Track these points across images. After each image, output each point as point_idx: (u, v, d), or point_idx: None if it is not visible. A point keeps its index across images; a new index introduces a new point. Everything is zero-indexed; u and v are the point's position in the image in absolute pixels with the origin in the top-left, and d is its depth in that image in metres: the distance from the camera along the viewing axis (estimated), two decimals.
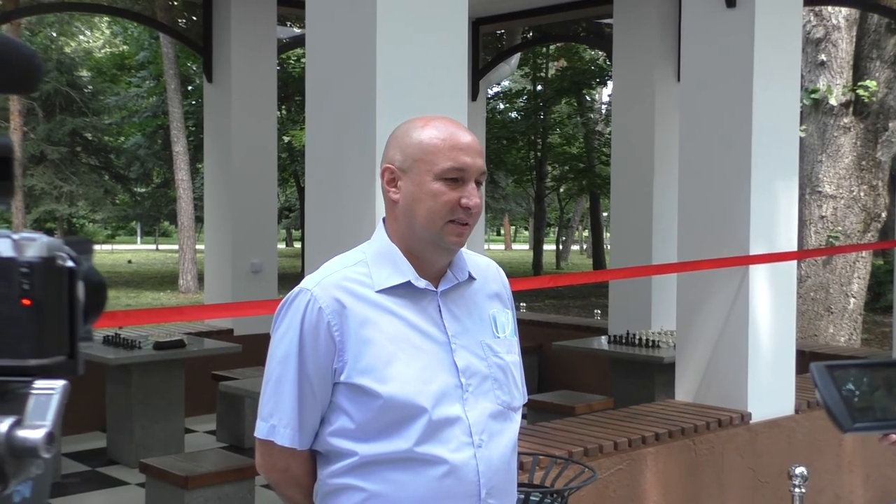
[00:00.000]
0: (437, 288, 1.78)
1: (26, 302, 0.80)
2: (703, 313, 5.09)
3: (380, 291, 1.73)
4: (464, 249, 1.84)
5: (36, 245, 0.82)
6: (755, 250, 4.93)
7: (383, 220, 1.81)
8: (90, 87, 28.09)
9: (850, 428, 1.09)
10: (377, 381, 1.68)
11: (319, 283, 1.74)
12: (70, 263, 0.84)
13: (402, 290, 1.74)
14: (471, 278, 1.83)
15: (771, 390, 5.08)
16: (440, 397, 1.70)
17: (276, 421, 1.74)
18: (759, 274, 4.99)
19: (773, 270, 5.08)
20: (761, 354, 5.01)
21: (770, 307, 5.07)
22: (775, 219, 5.08)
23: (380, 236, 1.80)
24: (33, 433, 0.77)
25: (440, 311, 1.76)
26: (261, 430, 1.76)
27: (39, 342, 0.81)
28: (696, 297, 5.14)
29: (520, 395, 1.84)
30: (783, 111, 5.10)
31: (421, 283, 1.75)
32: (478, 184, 1.74)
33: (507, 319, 1.86)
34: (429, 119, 1.77)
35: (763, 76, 4.93)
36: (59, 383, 0.81)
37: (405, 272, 1.75)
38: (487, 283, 1.87)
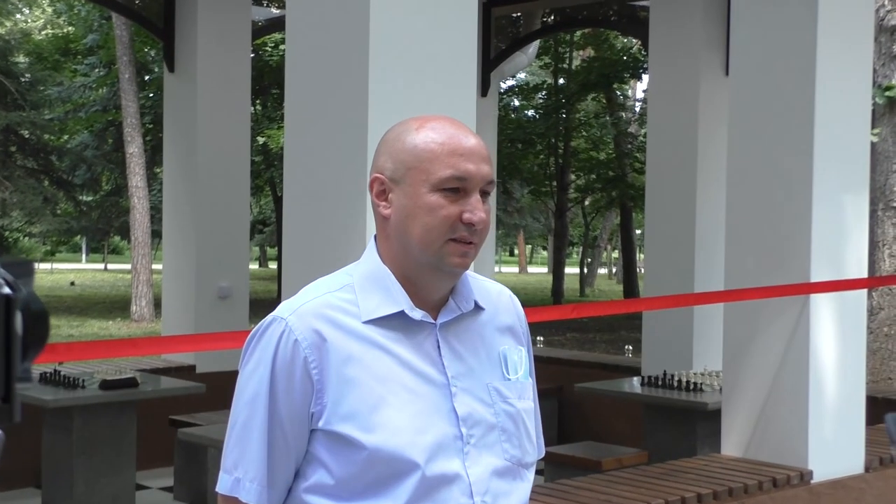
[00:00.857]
0: (435, 320, 1.77)
1: None
2: (755, 351, 5.08)
3: (368, 322, 1.73)
4: (470, 273, 1.84)
5: None
6: (817, 277, 4.93)
7: (375, 237, 1.82)
8: (27, 75, 28.18)
9: None
10: (361, 430, 1.68)
11: (296, 310, 1.74)
12: (6, 290, 0.83)
13: (395, 322, 1.74)
14: (478, 308, 1.83)
15: (836, 444, 5.07)
16: (436, 450, 1.70)
17: (242, 473, 1.74)
18: (821, 305, 4.98)
19: (839, 301, 5.07)
20: (825, 401, 4.99)
21: (835, 344, 5.06)
22: (842, 239, 5.08)
23: (370, 257, 1.81)
24: None
25: (439, 347, 1.76)
26: (223, 485, 1.76)
27: None
28: (747, 331, 5.13)
29: (533, 450, 1.84)
30: (851, 111, 5.11)
31: (417, 313, 1.75)
32: (484, 195, 1.74)
33: (520, 358, 1.86)
34: (425, 119, 1.78)
35: (827, 69, 4.95)
36: None
37: (398, 300, 1.75)
38: (498, 314, 1.87)
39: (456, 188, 1.71)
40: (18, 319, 0.84)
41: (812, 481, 4.95)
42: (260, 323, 1.78)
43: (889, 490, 5.27)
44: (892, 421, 1.12)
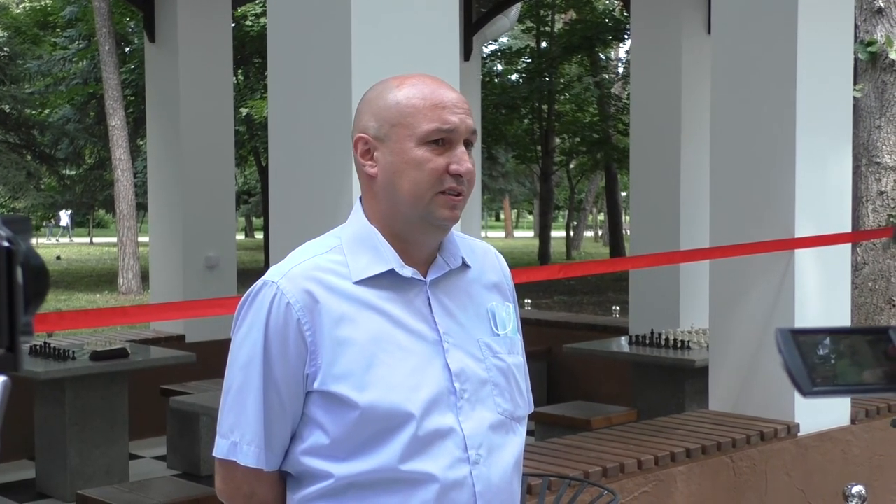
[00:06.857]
0: (425, 277, 1.79)
1: None
2: (741, 308, 5.11)
3: (358, 283, 1.75)
4: (456, 232, 1.86)
5: None
6: (802, 232, 4.96)
7: (360, 199, 1.83)
8: (6, 49, 27.92)
9: (810, 392, 1.25)
10: (356, 389, 1.70)
11: (287, 274, 1.75)
12: (6, 244, 0.85)
13: (385, 281, 1.76)
14: (465, 265, 1.85)
15: None
16: (430, 405, 1.72)
17: (238, 437, 1.75)
18: (806, 260, 5.01)
19: (824, 256, 5.10)
20: None
21: (820, 299, 5.10)
22: (825, 194, 5.10)
23: (357, 218, 1.82)
24: None
25: (430, 304, 1.78)
26: (220, 449, 1.77)
27: None
28: (733, 288, 5.16)
29: (524, 403, 1.86)
30: (834, 67, 5.11)
31: (406, 271, 1.77)
32: (468, 145, 1.77)
33: (507, 314, 1.88)
34: (405, 77, 1.80)
35: (809, 26, 4.95)
36: (0, 379, 0.83)
37: (388, 259, 1.76)
38: (485, 271, 1.89)
39: (441, 140, 1.73)
40: (19, 273, 0.86)
41: (799, 434, 5.00)
42: (251, 288, 1.79)
43: (875, 441, 5.33)
44: (780, 335, 1.24)
